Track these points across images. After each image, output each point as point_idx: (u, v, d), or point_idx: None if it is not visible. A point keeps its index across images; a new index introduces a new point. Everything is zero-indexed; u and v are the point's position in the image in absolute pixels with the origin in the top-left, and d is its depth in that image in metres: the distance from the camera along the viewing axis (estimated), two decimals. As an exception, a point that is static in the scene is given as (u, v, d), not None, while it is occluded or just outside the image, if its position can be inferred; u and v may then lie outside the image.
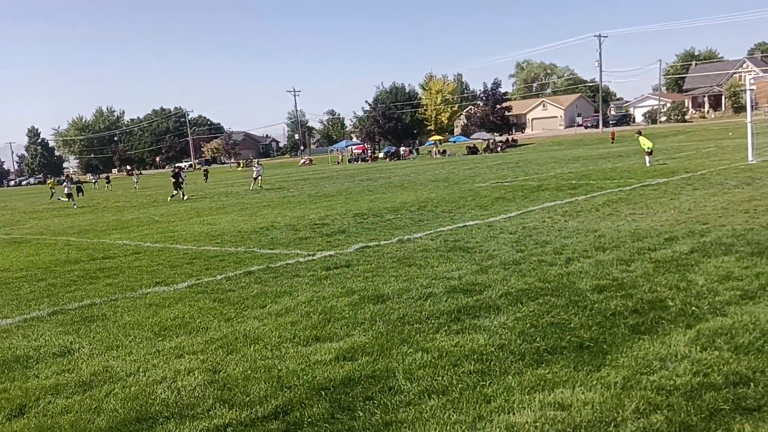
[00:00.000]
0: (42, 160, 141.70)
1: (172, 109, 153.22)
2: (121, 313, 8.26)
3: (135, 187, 53.65)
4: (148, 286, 9.93)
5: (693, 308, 6.50)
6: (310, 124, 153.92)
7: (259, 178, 39.21)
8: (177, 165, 70.97)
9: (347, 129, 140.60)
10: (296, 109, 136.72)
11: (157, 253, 13.59)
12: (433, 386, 5.02)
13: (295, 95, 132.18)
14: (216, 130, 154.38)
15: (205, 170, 61.68)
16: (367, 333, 6.49)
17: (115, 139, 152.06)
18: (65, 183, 41.74)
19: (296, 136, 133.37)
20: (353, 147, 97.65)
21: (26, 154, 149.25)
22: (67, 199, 37.08)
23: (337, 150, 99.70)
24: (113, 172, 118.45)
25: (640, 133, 30.68)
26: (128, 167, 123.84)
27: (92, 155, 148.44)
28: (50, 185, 51.21)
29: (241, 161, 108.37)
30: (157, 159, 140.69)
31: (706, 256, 8.89)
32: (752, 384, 4.65)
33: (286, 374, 5.46)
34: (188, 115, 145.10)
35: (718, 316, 6.23)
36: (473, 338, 6.07)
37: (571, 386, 4.83)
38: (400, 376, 5.23)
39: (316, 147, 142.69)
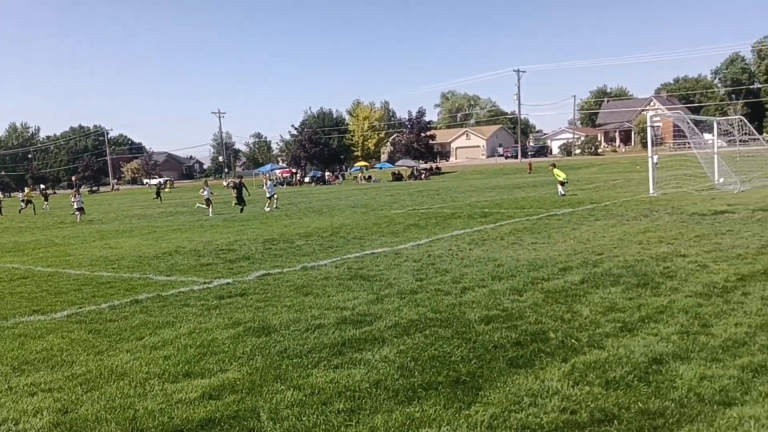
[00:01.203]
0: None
1: (91, 127, 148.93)
2: (-18, 346, 7.66)
3: (45, 208, 51.20)
4: (23, 314, 9.34)
5: (573, 341, 6.51)
6: (236, 146, 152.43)
7: (274, 196, 34.41)
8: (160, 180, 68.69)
9: (273, 152, 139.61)
10: (221, 131, 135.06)
11: (45, 278, 12.90)
12: (297, 427, 4.78)
13: (220, 117, 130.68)
14: (137, 149, 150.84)
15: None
16: (242, 368, 6.20)
17: (29, 156, 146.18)
18: None
19: (221, 158, 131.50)
20: (279, 171, 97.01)
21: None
22: None
23: (263, 173, 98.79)
24: (25, 191, 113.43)
25: (554, 165, 31.62)
26: (42, 186, 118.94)
27: (3, 172, 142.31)
28: None
29: (166, 180, 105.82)
30: (73, 178, 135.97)
31: (595, 287, 9.01)
32: (616, 421, 4.61)
33: (143, 415, 5.11)
34: (108, 133, 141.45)
35: (595, 349, 6.24)
36: (350, 373, 5.88)
37: (437, 426, 4.69)
38: (264, 417, 4.98)
39: (242, 170, 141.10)
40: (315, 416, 4.94)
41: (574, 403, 4.96)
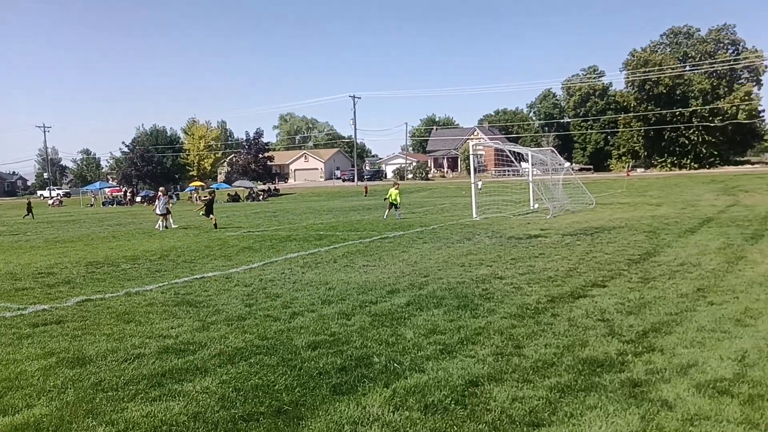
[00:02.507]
0: None
1: None
2: None
3: None
4: None
5: (395, 365, 6.64)
6: (63, 162, 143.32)
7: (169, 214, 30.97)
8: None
9: (103, 170, 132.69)
10: (46, 146, 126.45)
11: None
12: (105, 466, 4.52)
13: (45, 131, 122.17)
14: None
15: None
16: (51, 403, 5.77)
17: None
18: None
19: (45, 175, 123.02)
20: (108, 189, 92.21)
21: None
22: None
23: (91, 191, 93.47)
24: None
25: (398, 185, 32.29)
26: None
27: None
28: None
29: None
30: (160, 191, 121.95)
31: (420, 309, 9.28)
32: (431, 444, 4.75)
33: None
34: None
35: (416, 372, 6.41)
36: (168, 406, 5.64)
37: (255, 457, 4.60)
38: (69, 457, 4.66)
39: (69, 187, 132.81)
40: (126, 454, 4.69)
41: (394, 430, 5.05)
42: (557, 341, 7.42)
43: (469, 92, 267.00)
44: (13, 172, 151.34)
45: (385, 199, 30.56)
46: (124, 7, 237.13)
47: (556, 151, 37.27)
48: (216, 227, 27.50)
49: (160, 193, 32.76)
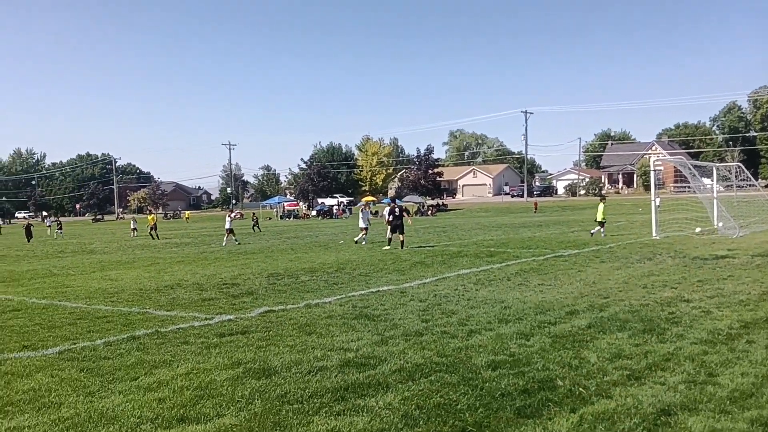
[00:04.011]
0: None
1: (99, 155, 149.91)
2: (-32, 384, 7.33)
3: (58, 234, 51.23)
4: (12, 350, 9.03)
5: (581, 389, 6.28)
6: (245, 178, 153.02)
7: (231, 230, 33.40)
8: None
9: (282, 185, 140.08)
10: (230, 163, 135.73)
11: (40, 311, 12.64)
12: (294, 479, 4.57)
13: (230, 148, 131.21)
14: (145, 179, 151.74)
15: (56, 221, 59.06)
16: (240, 414, 5.96)
17: (33, 182, 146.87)
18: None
19: (229, 190, 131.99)
20: (285, 203, 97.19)
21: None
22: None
23: (270, 206, 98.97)
24: (25, 217, 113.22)
25: (604, 199, 30.67)
26: (44, 213, 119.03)
27: (4, 198, 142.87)
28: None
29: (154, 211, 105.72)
30: (77, 206, 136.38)
31: (602, 332, 8.80)
32: (629, 480, 4.39)
33: (132, 464, 4.88)
34: (116, 162, 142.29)
35: (603, 398, 6.03)
36: (353, 421, 5.65)
37: (441, 481, 4.47)
38: (261, 467, 4.75)
39: (250, 201, 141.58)
40: (314, 468, 4.72)
41: (585, 460, 4.73)
42: (755, 370, 6.78)
43: (647, 106, 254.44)
44: (199, 187, 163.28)
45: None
46: (304, 27, 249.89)
47: (743, 167, 34.52)
48: (402, 246, 25.25)
49: (363, 206, 32.94)
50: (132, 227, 48.56)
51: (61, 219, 73.49)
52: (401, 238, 25.41)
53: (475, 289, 13.41)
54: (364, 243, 28.68)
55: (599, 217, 28.44)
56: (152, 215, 49.52)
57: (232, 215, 36.50)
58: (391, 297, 12.71)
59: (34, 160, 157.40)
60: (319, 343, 8.74)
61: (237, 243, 32.66)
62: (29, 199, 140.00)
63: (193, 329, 10.10)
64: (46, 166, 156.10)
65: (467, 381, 6.72)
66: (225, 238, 33.34)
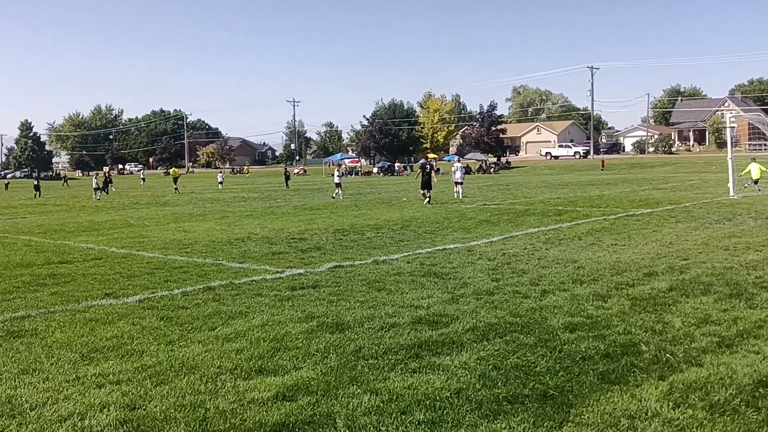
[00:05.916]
0: (31, 154, 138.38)
1: (171, 112, 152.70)
2: (53, 330, 7.51)
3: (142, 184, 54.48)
4: (95, 297, 9.29)
5: (668, 355, 6.04)
6: (308, 134, 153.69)
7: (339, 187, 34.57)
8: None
9: (344, 142, 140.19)
10: (294, 119, 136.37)
11: (119, 260, 13.01)
12: (375, 437, 4.52)
13: (294, 105, 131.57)
14: (213, 134, 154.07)
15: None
16: (316, 367, 5.95)
17: (110, 137, 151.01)
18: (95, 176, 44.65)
19: (292, 146, 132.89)
20: (348, 160, 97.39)
21: (15, 147, 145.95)
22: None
23: (332, 162, 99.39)
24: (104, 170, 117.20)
25: (754, 159, 30.10)
26: (120, 166, 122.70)
27: (84, 152, 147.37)
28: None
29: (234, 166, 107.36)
30: (151, 160, 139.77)
31: (685, 296, 8.46)
32: (726, 452, 4.19)
33: (213, 415, 4.87)
34: (187, 118, 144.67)
35: (693, 366, 5.77)
36: (429, 380, 5.57)
37: (527, 446, 4.35)
38: (340, 424, 4.69)
39: (312, 158, 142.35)
40: (394, 426, 4.64)
41: (678, 429, 4.53)
42: None
43: (719, 60, 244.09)
44: (263, 143, 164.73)
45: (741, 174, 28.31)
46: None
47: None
48: (429, 201, 26.60)
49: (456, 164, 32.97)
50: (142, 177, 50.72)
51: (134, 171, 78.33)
52: (429, 195, 26.92)
53: (545, 248, 13.13)
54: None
55: (756, 176, 27.96)
56: (174, 169, 50.83)
57: (340, 169, 38.32)
58: (458, 255, 12.56)
59: (112, 116, 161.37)
60: (390, 300, 8.69)
61: (340, 198, 32.98)
62: (106, 153, 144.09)
63: (266, 282, 10.20)
64: (123, 122, 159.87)
65: (544, 343, 6.55)
66: (340, 192, 34.18)
